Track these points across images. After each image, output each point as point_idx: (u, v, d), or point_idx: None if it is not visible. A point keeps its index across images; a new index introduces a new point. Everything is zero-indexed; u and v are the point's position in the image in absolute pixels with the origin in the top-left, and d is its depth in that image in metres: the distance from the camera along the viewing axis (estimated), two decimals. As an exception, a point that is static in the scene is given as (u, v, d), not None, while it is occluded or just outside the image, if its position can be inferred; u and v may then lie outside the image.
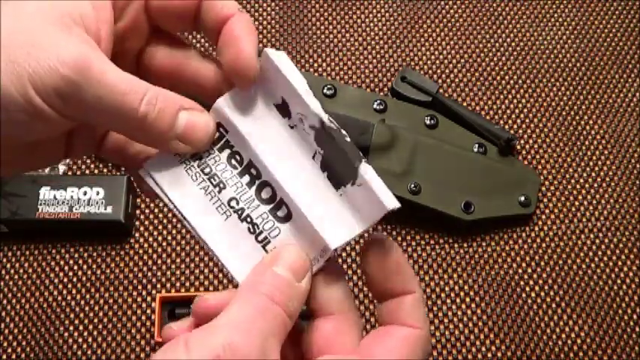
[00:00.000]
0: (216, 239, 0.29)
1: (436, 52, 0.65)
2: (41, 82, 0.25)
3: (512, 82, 0.64)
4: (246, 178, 0.30)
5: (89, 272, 0.56)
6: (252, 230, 0.29)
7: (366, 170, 0.28)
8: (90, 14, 0.28)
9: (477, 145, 0.59)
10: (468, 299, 0.55)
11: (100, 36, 0.28)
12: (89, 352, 0.53)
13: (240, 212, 0.30)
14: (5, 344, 0.53)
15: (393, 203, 0.27)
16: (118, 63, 0.28)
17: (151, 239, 0.57)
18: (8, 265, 0.56)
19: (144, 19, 0.30)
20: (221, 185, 0.30)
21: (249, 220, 0.29)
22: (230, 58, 0.29)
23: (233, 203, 0.30)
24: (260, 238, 0.29)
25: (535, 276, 0.56)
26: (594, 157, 0.61)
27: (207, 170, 0.30)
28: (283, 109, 0.29)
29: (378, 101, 0.60)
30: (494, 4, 0.67)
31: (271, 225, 0.29)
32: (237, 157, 0.30)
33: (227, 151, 0.30)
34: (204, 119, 0.29)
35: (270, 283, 0.28)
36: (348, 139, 0.28)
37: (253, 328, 0.27)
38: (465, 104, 0.62)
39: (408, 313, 0.29)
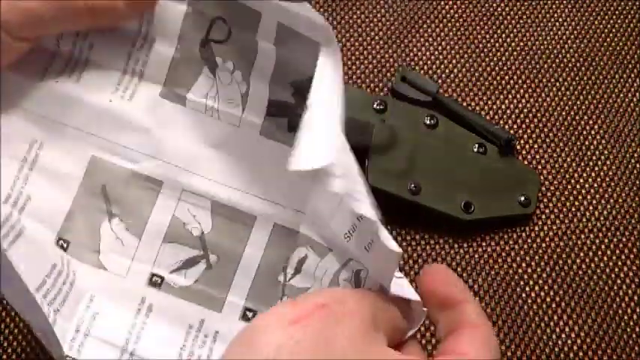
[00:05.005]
0: None
1: (436, 52, 0.65)
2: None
3: (512, 82, 0.64)
4: None
5: (89, 272, 0.56)
6: None
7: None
8: None
9: (476, 145, 0.59)
10: (467, 299, 0.55)
11: None
12: (89, 352, 0.53)
13: None
14: (5, 344, 0.53)
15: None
16: None
17: (151, 239, 0.57)
18: (8, 265, 0.56)
19: None
20: None
21: None
22: None
23: None
24: None
25: (535, 276, 0.56)
26: (594, 157, 0.61)
27: None
28: None
29: (378, 101, 0.60)
30: (495, 4, 0.67)
31: None
32: None
33: None
34: None
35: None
36: None
37: (365, 297, 0.28)
38: (465, 104, 0.62)
39: (474, 316, 0.31)
